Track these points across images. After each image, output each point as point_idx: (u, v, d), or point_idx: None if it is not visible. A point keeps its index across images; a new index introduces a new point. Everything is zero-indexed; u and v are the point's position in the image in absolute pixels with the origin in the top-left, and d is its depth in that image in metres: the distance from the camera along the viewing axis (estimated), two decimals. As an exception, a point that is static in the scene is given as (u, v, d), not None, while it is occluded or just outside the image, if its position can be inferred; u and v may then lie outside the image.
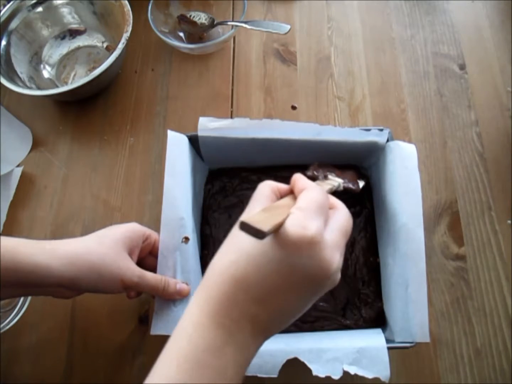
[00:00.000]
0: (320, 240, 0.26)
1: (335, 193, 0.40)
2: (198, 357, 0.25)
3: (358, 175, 0.47)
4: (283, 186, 0.32)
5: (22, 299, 0.48)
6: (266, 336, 0.28)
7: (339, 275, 0.28)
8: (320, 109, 0.60)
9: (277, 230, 0.26)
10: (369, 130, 0.44)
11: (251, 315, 0.26)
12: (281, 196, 0.31)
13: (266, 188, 0.31)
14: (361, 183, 0.46)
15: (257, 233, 0.24)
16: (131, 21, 0.58)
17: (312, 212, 0.27)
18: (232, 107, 0.61)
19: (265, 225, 0.24)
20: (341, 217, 0.29)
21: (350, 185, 0.44)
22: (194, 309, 0.27)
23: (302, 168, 0.50)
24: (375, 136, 0.45)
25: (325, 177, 0.43)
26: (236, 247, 0.27)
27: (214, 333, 0.25)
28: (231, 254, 0.27)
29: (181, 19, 0.65)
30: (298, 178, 0.31)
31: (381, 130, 0.44)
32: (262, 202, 0.29)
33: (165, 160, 0.43)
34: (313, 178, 0.42)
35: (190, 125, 0.57)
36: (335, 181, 0.42)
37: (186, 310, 0.28)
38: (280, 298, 0.26)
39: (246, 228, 0.24)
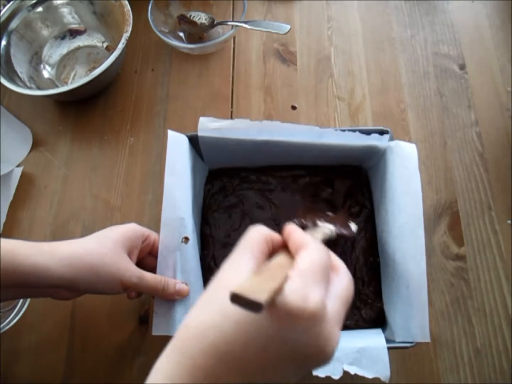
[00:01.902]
0: (321, 315, 0.22)
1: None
2: None
3: (348, 217, 0.45)
4: (276, 236, 0.28)
5: (22, 299, 0.48)
6: None
7: (334, 352, 0.24)
8: (320, 109, 0.60)
9: (274, 297, 0.22)
10: (369, 133, 0.44)
11: None
12: (273, 246, 0.28)
13: (258, 235, 0.27)
14: (353, 227, 0.43)
15: (253, 306, 0.20)
16: (131, 21, 0.58)
17: (314, 278, 0.23)
18: (232, 107, 0.61)
19: (262, 294, 0.20)
20: (344, 283, 0.26)
21: (343, 231, 0.41)
22: (160, 374, 0.23)
23: (302, 168, 0.50)
24: (376, 140, 0.44)
25: (314, 224, 0.40)
26: (221, 308, 0.23)
27: None
28: (214, 315, 0.23)
29: (181, 19, 0.65)
30: (293, 231, 0.28)
31: (382, 133, 0.44)
32: (252, 251, 0.26)
33: (165, 160, 0.43)
34: (302, 227, 0.34)
35: (190, 125, 0.57)
36: (327, 228, 0.39)
37: (152, 373, 0.24)
38: (266, 374, 0.23)
39: (239, 300, 0.20)
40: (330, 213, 0.45)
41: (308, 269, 0.24)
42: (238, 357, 0.22)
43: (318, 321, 0.22)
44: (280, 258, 0.26)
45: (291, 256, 0.26)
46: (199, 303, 0.25)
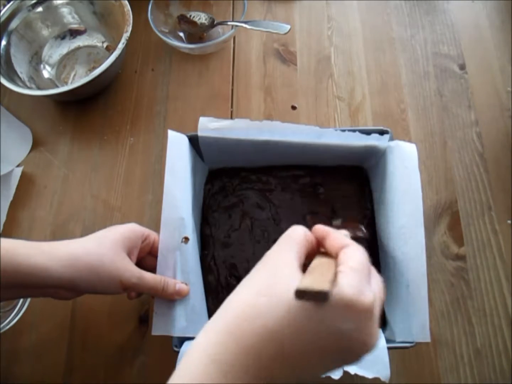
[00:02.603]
0: (372, 311, 0.23)
1: None
2: None
3: (356, 221, 0.46)
4: (312, 237, 0.29)
5: (22, 299, 0.48)
6: None
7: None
8: (320, 109, 0.60)
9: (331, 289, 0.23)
10: (369, 133, 0.44)
11: (272, 374, 0.23)
12: (311, 246, 0.29)
13: (301, 234, 0.28)
14: (364, 229, 0.44)
15: (319, 296, 0.21)
16: (131, 21, 0.58)
17: (365, 275, 0.24)
18: (232, 107, 0.61)
19: (324, 285, 0.21)
20: (380, 284, 0.26)
21: (357, 234, 0.42)
22: (204, 354, 0.23)
23: (302, 169, 0.50)
24: (376, 140, 0.44)
25: None
26: (271, 290, 0.24)
27: None
28: (263, 298, 0.24)
29: (181, 19, 0.65)
30: (331, 231, 0.28)
31: (382, 133, 0.44)
32: (297, 248, 0.27)
33: (165, 160, 0.43)
34: None
35: (190, 125, 0.57)
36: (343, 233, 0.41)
37: (194, 347, 0.24)
38: (311, 362, 0.24)
39: (305, 295, 0.21)
40: (338, 221, 0.46)
41: (359, 266, 0.24)
42: (288, 339, 0.23)
43: (369, 316, 0.23)
44: (320, 258, 0.27)
45: (328, 256, 0.27)
46: (248, 284, 0.26)
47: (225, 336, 0.23)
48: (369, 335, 0.24)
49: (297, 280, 0.23)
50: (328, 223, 0.42)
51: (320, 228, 0.29)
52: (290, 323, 0.23)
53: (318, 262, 0.27)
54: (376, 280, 0.26)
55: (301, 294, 0.21)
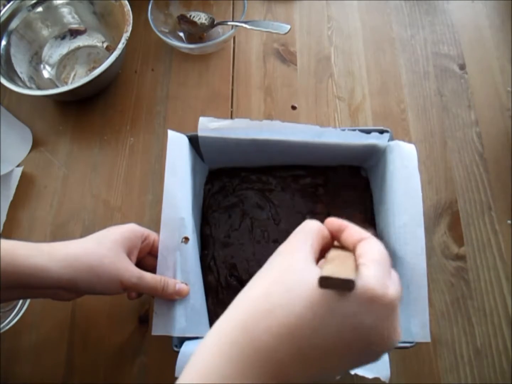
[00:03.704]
0: (396, 305, 0.22)
1: None
2: None
3: (363, 217, 0.47)
4: (327, 232, 0.28)
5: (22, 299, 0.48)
6: None
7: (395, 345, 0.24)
8: (320, 109, 0.60)
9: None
10: (369, 133, 0.44)
11: (289, 374, 0.21)
12: (325, 241, 0.28)
13: (316, 228, 0.27)
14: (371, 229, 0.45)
15: (345, 284, 0.20)
16: (131, 21, 0.58)
17: (387, 268, 0.23)
18: (232, 107, 0.61)
19: (349, 273, 0.20)
20: (397, 277, 0.25)
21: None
22: (218, 355, 0.22)
23: (302, 169, 0.50)
24: (376, 139, 0.44)
25: None
26: (287, 286, 0.22)
27: None
28: (278, 295, 0.22)
29: (181, 19, 0.65)
30: (346, 224, 0.27)
31: (382, 133, 0.44)
32: (312, 242, 0.25)
33: (165, 160, 0.43)
34: None
35: (190, 125, 0.57)
36: None
37: (208, 341, 0.23)
38: (331, 361, 0.22)
39: (329, 282, 0.20)
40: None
41: (381, 259, 0.23)
42: (307, 339, 0.21)
43: (392, 310, 0.22)
44: (337, 251, 0.26)
45: (344, 249, 0.26)
46: (260, 281, 0.24)
47: (240, 334, 0.22)
48: (393, 329, 0.22)
49: (313, 272, 0.22)
50: None
51: (334, 220, 0.27)
52: (311, 320, 0.21)
53: (336, 253, 0.25)
54: (394, 274, 0.25)
55: (325, 281, 0.20)
